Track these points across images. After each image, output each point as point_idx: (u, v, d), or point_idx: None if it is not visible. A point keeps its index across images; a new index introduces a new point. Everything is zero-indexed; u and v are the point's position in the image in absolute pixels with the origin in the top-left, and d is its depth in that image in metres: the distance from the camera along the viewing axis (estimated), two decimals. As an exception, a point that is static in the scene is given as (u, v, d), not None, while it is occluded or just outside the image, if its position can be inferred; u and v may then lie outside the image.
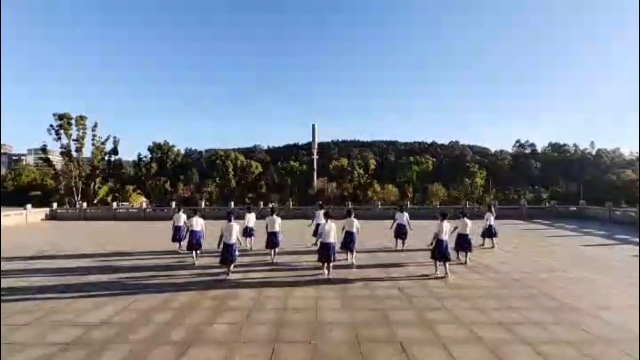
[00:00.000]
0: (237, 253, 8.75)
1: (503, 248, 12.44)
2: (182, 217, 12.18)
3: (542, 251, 12.56)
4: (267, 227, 10.66)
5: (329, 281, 8.33)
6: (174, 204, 30.17)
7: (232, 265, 8.80)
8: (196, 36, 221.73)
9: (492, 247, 12.75)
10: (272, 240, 10.51)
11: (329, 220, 8.71)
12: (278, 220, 10.71)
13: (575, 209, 27.73)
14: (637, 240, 14.95)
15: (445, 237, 8.78)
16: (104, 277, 8.88)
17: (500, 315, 6.18)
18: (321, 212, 11.84)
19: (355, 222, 9.82)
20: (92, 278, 8.84)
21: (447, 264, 8.83)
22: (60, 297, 7.31)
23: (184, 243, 11.72)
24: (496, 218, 13.47)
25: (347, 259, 10.26)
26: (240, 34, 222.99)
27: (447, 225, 8.90)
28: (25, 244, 14.74)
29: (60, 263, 10.71)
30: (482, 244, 12.98)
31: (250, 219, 12.56)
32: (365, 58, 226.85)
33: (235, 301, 6.95)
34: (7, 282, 8.39)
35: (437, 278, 8.64)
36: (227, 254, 8.50)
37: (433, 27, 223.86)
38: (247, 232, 12.33)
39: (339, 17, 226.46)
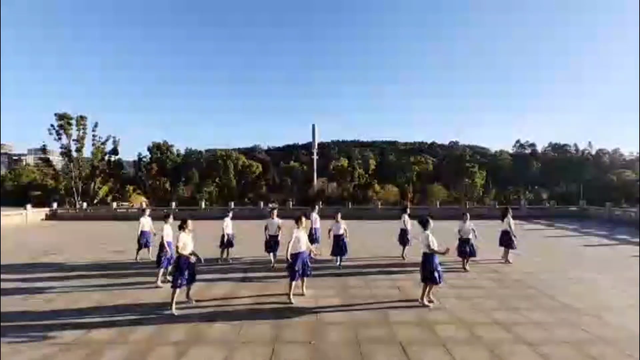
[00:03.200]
0: (184, 272, 6.40)
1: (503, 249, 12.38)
2: (148, 222, 10.81)
3: (542, 251, 12.55)
4: (266, 229, 9.88)
5: (328, 281, 8.31)
6: (174, 204, 30.19)
7: (184, 291, 6.64)
8: (196, 36, 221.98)
9: (505, 261, 10.45)
10: (271, 244, 9.77)
11: (300, 227, 7.08)
12: (279, 222, 9.81)
13: (575, 209, 27.77)
14: (637, 240, 14.95)
15: (433, 249, 6.63)
16: (103, 277, 8.88)
17: (500, 315, 6.18)
18: (315, 214, 11.11)
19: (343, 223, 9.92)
20: (92, 278, 8.83)
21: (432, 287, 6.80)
22: (60, 297, 7.32)
23: (148, 251, 10.74)
24: (494, 218, 11.60)
25: (336, 263, 9.91)
26: (240, 34, 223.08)
27: (428, 235, 6.66)
28: (25, 244, 14.74)
29: (61, 263, 10.70)
30: (506, 259, 10.55)
31: (228, 224, 10.61)
32: (366, 58, 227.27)
33: (235, 301, 6.95)
34: (7, 282, 8.38)
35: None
36: (177, 269, 6.42)
37: (433, 27, 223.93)
38: (226, 241, 10.58)
39: (339, 17, 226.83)
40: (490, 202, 44.55)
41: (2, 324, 5.76)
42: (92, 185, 41.28)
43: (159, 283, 8.04)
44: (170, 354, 4.75)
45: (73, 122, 39.20)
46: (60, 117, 38.57)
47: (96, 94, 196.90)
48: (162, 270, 8.25)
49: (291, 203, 30.89)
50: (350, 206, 29.17)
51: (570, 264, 10.54)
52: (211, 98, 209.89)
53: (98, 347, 4.95)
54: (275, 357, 4.64)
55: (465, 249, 9.52)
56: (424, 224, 6.84)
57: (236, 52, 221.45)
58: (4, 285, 8.14)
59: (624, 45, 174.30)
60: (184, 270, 6.37)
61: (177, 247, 6.40)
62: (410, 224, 10.64)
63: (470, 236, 9.61)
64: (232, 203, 30.78)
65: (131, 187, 52.56)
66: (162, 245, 8.37)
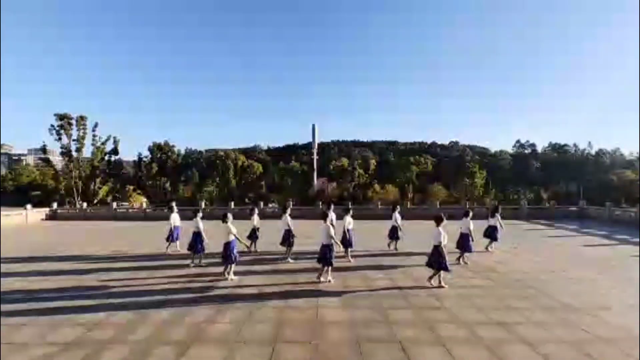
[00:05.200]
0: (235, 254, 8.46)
1: (502, 248, 12.40)
2: (177, 218, 12.11)
3: (542, 251, 12.54)
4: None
5: (328, 281, 8.30)
6: (174, 204, 30.20)
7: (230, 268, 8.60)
8: (196, 36, 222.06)
9: (485, 250, 11.96)
10: (286, 237, 10.91)
11: (327, 221, 8.40)
12: (289, 219, 11.02)
13: (575, 209, 27.73)
14: (637, 240, 14.95)
15: (443, 242, 7.81)
16: (103, 277, 8.87)
17: (500, 315, 6.18)
18: (331, 212, 12.03)
19: (348, 220, 10.71)
20: (92, 278, 8.82)
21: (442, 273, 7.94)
22: (60, 296, 7.31)
23: (177, 244, 12.09)
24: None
25: (346, 258, 10.55)
26: (240, 34, 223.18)
27: (441, 232, 7.80)
28: (25, 244, 14.75)
29: (60, 263, 10.70)
30: (486, 248, 12.09)
31: (256, 219, 12.25)
32: (366, 58, 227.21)
33: (236, 300, 6.95)
34: (7, 282, 8.39)
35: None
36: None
37: (433, 28, 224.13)
38: (253, 235, 12.16)
39: (339, 17, 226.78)
40: (490, 202, 44.55)
41: (1, 323, 5.76)
42: (92, 185, 41.28)
43: (194, 264, 9.96)
44: (170, 353, 4.75)
45: (73, 122, 39.24)
46: (61, 117, 38.60)
47: (96, 94, 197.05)
48: (197, 255, 10.09)
49: (291, 203, 30.87)
50: (350, 206, 29.14)
51: (570, 264, 10.54)
52: (211, 98, 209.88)
53: (98, 347, 4.95)
54: (275, 357, 4.64)
55: (465, 244, 10.11)
56: (438, 221, 7.87)
57: (236, 52, 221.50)
58: (4, 284, 8.14)
59: (624, 45, 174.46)
60: (231, 250, 8.27)
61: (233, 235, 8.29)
62: (400, 221, 12.21)
63: (469, 231, 10.07)
64: (232, 203, 30.77)
65: (131, 187, 52.61)
66: (195, 235, 9.99)
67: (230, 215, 8.47)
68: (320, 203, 30.71)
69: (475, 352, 4.78)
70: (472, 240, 10.22)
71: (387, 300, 6.98)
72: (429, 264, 7.98)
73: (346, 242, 10.44)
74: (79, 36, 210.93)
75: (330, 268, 8.32)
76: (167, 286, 8.00)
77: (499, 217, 12.13)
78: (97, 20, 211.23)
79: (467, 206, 29.61)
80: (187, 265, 10.00)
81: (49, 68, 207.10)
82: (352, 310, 6.37)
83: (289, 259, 10.64)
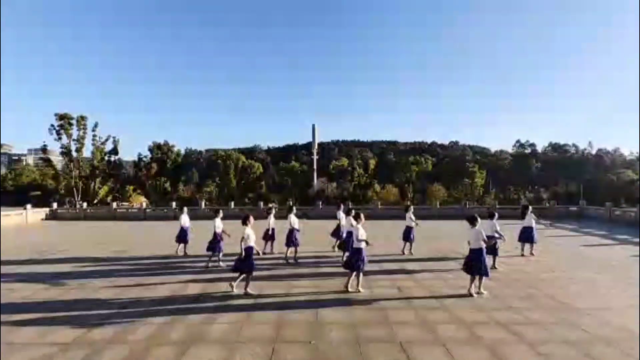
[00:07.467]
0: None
1: (503, 248, 12.37)
2: (187, 219, 11.91)
3: (542, 251, 12.53)
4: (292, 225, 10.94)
5: (328, 280, 8.30)
6: (174, 204, 30.21)
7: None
8: (196, 36, 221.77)
9: (530, 254, 11.53)
10: (291, 238, 10.81)
11: (360, 223, 7.62)
12: (295, 219, 11.05)
13: (575, 209, 27.76)
14: (637, 240, 14.95)
15: (482, 244, 7.18)
16: (103, 277, 8.88)
17: (500, 315, 6.17)
18: (341, 212, 12.38)
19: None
20: (92, 278, 8.83)
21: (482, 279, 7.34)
22: (59, 297, 7.32)
23: (184, 246, 11.85)
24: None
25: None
26: (240, 34, 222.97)
27: (480, 231, 7.27)
28: (25, 244, 14.75)
29: (60, 263, 10.70)
30: (530, 252, 11.63)
31: (272, 220, 11.88)
32: (366, 58, 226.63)
33: (236, 301, 6.95)
34: (6, 282, 8.39)
35: (438, 279, 8.63)
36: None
37: (433, 27, 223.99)
38: (269, 236, 11.85)
39: (338, 17, 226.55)
40: (491, 202, 44.57)
41: (1, 323, 5.76)
42: (92, 185, 41.33)
43: (221, 264, 9.78)
44: (170, 354, 4.75)
45: (73, 122, 39.30)
46: (61, 117, 38.67)
47: (96, 94, 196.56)
48: (218, 255, 9.87)
49: (291, 203, 30.88)
50: (350, 206, 29.14)
51: (570, 263, 10.54)
52: (211, 98, 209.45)
53: (98, 347, 4.95)
54: (275, 357, 4.64)
55: (491, 247, 9.20)
56: (472, 221, 7.26)
57: (236, 52, 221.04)
58: (3, 285, 8.13)
59: (624, 45, 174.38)
60: (249, 257, 7.22)
61: (242, 239, 7.18)
62: (415, 222, 11.62)
63: (499, 230, 9.34)
64: (232, 203, 30.80)
65: (131, 187, 52.63)
66: (215, 235, 9.86)
67: (251, 218, 7.42)
68: (321, 203, 30.69)
69: (475, 352, 4.78)
70: (504, 240, 9.47)
71: (388, 300, 6.98)
72: (468, 270, 7.29)
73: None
74: (79, 36, 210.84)
75: (361, 276, 7.54)
76: (168, 286, 7.99)
77: (534, 216, 11.57)
78: (97, 20, 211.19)
79: (467, 206, 29.63)
80: (187, 267, 10.07)
81: (49, 68, 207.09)
82: (352, 311, 6.37)
83: (291, 260, 10.59)
